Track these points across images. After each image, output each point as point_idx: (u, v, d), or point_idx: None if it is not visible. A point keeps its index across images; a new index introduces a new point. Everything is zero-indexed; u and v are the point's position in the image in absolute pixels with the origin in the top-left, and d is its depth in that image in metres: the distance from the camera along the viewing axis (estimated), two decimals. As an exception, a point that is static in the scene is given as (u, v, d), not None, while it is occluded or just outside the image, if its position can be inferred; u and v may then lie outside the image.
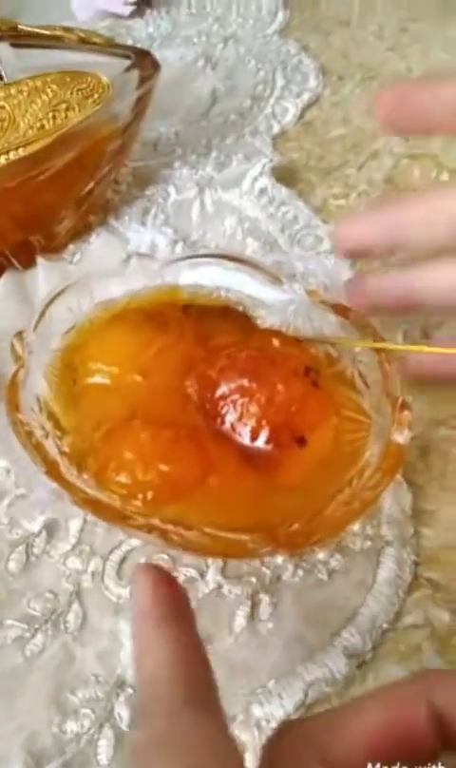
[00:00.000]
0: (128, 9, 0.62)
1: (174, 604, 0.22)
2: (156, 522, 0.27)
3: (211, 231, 0.43)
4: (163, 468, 0.28)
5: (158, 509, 0.27)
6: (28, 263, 0.42)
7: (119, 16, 0.63)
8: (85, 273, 0.35)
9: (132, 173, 0.48)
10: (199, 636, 0.21)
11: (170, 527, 0.27)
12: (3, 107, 0.37)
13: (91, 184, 0.42)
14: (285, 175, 0.47)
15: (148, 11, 0.63)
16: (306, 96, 0.53)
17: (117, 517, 0.27)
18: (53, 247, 0.43)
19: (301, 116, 0.52)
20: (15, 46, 0.43)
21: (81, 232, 0.44)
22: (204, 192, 0.45)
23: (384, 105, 0.29)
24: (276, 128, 0.51)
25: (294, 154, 0.49)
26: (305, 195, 0.46)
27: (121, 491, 0.27)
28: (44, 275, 0.41)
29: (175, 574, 0.29)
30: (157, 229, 0.44)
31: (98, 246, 0.43)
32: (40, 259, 0.42)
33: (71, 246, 0.44)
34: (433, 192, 0.32)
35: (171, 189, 0.46)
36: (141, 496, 0.27)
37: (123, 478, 0.28)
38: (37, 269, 0.41)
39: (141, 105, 0.42)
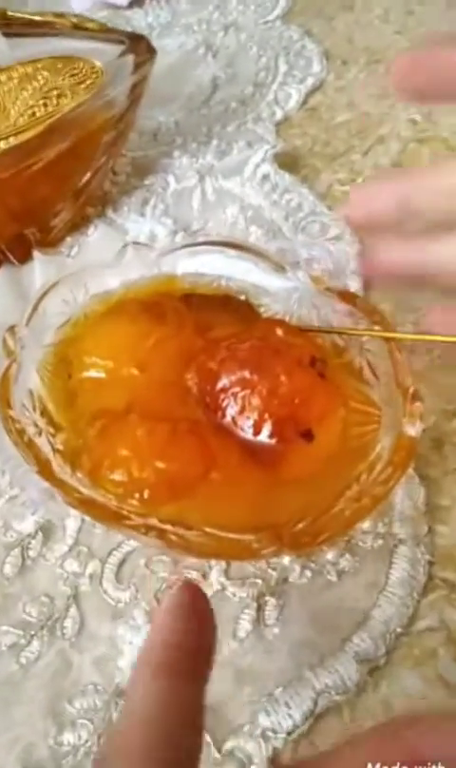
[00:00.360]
0: (126, 0, 0.61)
1: (190, 647, 0.19)
2: (154, 522, 0.25)
3: (212, 220, 0.42)
4: (160, 465, 0.26)
5: (156, 509, 0.26)
6: (25, 258, 0.40)
7: (117, 7, 0.62)
8: (77, 265, 0.34)
9: (131, 163, 0.46)
10: (203, 697, 0.18)
11: (168, 527, 0.25)
12: (-7, 95, 0.36)
13: (88, 175, 0.41)
14: (289, 161, 0.45)
15: (147, 1, 0.62)
16: (310, 81, 0.51)
17: (112, 517, 0.26)
18: (50, 241, 0.42)
19: (305, 102, 0.50)
20: (6, 35, 0.42)
21: (78, 224, 0.43)
22: (205, 180, 0.44)
23: (399, 68, 0.27)
24: (279, 115, 0.49)
25: (298, 140, 0.47)
26: (310, 181, 0.44)
27: (116, 490, 0.26)
28: (40, 269, 0.40)
29: (175, 577, 0.28)
30: (156, 219, 0.42)
31: (96, 239, 0.42)
32: (36, 253, 0.40)
33: (69, 239, 0.42)
34: (447, 164, 0.30)
35: (171, 179, 0.45)
36: (137, 495, 0.26)
37: (118, 476, 0.26)
38: (33, 263, 0.40)
39: (136, 92, 0.40)
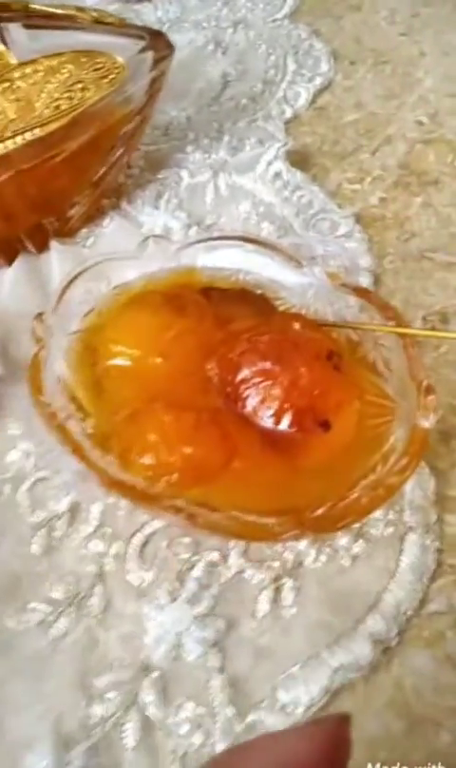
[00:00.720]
0: (137, -7, 0.62)
1: None
2: (182, 503, 0.26)
3: (225, 215, 0.43)
4: (187, 450, 0.27)
5: (182, 492, 0.27)
6: (42, 247, 0.41)
7: (127, 1, 0.62)
8: (101, 255, 0.34)
9: (144, 157, 0.47)
10: None
11: (197, 509, 0.26)
12: (19, 87, 0.36)
13: (105, 168, 0.42)
14: (299, 159, 0.46)
15: (157, -5, 0.63)
16: (318, 81, 0.53)
17: (143, 498, 0.27)
18: (67, 231, 0.42)
19: (313, 101, 0.51)
20: (27, 26, 0.42)
21: (94, 216, 0.44)
22: (218, 176, 0.45)
23: None
24: (289, 113, 0.50)
25: (308, 139, 0.49)
26: (319, 179, 0.45)
27: (145, 473, 0.27)
28: (57, 258, 0.41)
29: (197, 557, 0.29)
30: (170, 213, 0.43)
31: (111, 230, 0.43)
32: (53, 243, 0.41)
33: (84, 230, 0.43)
34: None
35: (184, 173, 0.45)
36: (165, 478, 0.27)
37: (147, 460, 0.27)
38: (50, 252, 0.41)
39: (155, 88, 0.41)
